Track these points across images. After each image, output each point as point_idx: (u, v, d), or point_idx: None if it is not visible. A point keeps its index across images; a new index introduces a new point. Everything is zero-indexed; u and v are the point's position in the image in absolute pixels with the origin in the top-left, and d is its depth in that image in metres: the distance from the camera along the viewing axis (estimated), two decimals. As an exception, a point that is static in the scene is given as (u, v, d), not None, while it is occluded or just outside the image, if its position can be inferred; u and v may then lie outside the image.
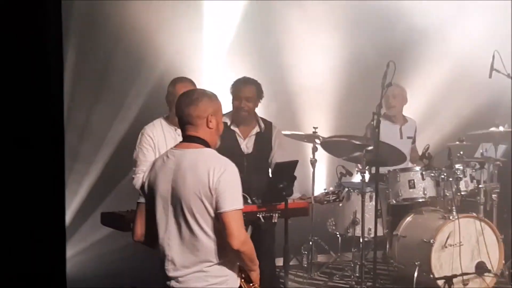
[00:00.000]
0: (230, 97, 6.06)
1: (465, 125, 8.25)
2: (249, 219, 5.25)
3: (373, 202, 6.77)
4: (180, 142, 3.91)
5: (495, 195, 7.23)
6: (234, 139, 5.99)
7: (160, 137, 5.54)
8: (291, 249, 7.47)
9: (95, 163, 7.53)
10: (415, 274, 6.56)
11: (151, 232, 3.90)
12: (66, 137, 6.75)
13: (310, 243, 7.66)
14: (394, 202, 7.00)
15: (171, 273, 3.80)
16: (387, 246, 7.12)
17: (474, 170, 7.09)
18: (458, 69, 8.57)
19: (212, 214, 3.72)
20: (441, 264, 6.60)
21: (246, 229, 5.51)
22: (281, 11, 8.46)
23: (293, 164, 5.30)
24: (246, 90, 5.98)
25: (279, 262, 6.34)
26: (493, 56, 7.13)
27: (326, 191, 6.05)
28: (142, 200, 3.98)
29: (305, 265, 7.66)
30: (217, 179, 3.68)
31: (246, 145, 6.03)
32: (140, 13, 7.58)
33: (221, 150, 5.30)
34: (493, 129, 7.45)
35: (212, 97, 3.90)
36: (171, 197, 3.78)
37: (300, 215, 5.63)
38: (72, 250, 7.12)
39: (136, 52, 7.61)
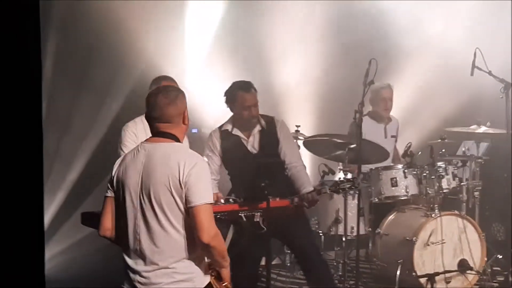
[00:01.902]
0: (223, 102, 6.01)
1: (447, 123, 8.25)
2: (230, 218, 5.25)
3: (356, 201, 6.76)
4: (151, 137, 3.90)
5: (477, 193, 7.24)
6: (239, 143, 5.87)
7: (142, 134, 5.51)
8: (274, 249, 7.49)
9: (76, 162, 7.47)
10: (398, 272, 6.56)
11: (119, 226, 3.88)
12: (45, 136, 6.71)
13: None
14: (377, 200, 6.99)
15: (138, 267, 3.79)
16: (370, 245, 7.13)
17: (456, 168, 7.10)
18: (440, 67, 8.59)
19: (182, 208, 3.72)
20: (424, 262, 6.60)
21: (228, 229, 5.52)
22: (263, 11, 8.44)
23: (275, 163, 5.29)
24: (250, 97, 5.80)
25: (262, 261, 6.30)
26: (475, 54, 7.15)
27: (340, 179, 6.02)
28: (109, 194, 3.94)
29: (288, 264, 7.64)
30: (188, 173, 3.68)
31: (252, 145, 5.88)
32: (121, 11, 7.53)
33: (229, 156, 5.66)
34: (474, 126, 7.46)
35: (183, 93, 3.94)
36: (141, 190, 3.76)
37: (283, 214, 5.58)
38: (52, 251, 7.07)
39: (117, 50, 7.56)
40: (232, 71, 8.30)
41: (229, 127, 5.91)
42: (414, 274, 6.53)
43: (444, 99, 8.65)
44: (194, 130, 8.21)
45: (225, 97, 5.91)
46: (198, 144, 7.88)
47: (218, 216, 5.19)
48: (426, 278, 6.48)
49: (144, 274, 3.76)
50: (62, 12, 7.27)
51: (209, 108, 8.21)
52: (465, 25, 8.48)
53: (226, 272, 3.93)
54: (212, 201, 3.75)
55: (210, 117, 8.13)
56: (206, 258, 3.88)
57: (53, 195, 7.30)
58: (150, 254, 3.75)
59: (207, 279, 3.86)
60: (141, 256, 3.77)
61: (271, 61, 8.54)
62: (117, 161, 3.95)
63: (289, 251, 7.69)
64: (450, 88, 8.58)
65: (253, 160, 5.67)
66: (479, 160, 7.36)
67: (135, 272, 3.79)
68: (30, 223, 3.56)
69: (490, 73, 7.16)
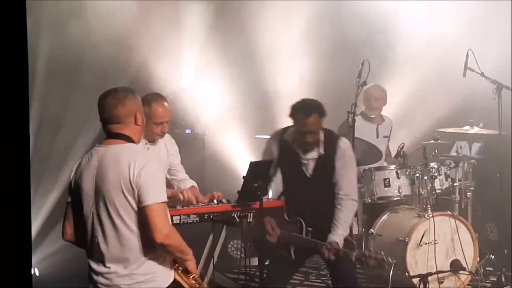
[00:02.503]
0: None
1: (440, 123, 8.26)
2: (223, 219, 5.26)
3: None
4: (105, 139, 3.89)
5: (470, 193, 7.26)
6: (296, 161, 5.52)
7: None
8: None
9: (68, 163, 7.44)
10: (391, 273, 6.55)
11: (79, 231, 3.89)
12: (36, 137, 6.72)
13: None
14: (370, 200, 7.00)
15: (99, 269, 3.80)
16: (363, 245, 7.12)
17: (449, 169, 7.12)
18: (433, 68, 8.59)
19: (136, 209, 3.72)
20: (416, 262, 6.61)
21: (221, 230, 5.53)
22: (256, 12, 8.45)
23: (267, 164, 5.28)
24: (310, 123, 5.37)
25: (254, 261, 6.31)
26: (467, 55, 7.16)
27: (369, 253, 5.23)
28: (69, 199, 3.96)
29: (281, 265, 7.62)
30: (138, 173, 3.67)
31: (307, 168, 5.52)
32: (114, 11, 7.53)
33: (284, 169, 5.52)
34: (467, 127, 7.48)
35: (135, 94, 3.92)
36: (95, 194, 3.77)
37: (276, 215, 5.58)
38: (45, 252, 7.06)
39: (109, 50, 7.55)
40: (225, 72, 8.33)
41: (290, 138, 5.57)
42: (407, 274, 6.53)
43: (437, 100, 8.66)
44: (187, 131, 8.22)
45: (291, 110, 5.51)
46: (192, 144, 7.93)
47: (212, 217, 5.23)
48: (418, 279, 6.47)
49: (106, 275, 3.78)
50: (54, 11, 7.25)
51: (202, 108, 8.22)
52: (458, 26, 8.48)
53: (191, 264, 3.92)
54: (165, 200, 3.74)
55: (204, 118, 8.16)
56: None
57: (46, 195, 7.29)
58: (108, 256, 3.77)
59: (171, 275, 3.86)
60: (101, 258, 3.78)
61: (264, 62, 8.55)
62: (74, 166, 3.96)
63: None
64: (443, 89, 8.59)
65: (306, 183, 5.50)
66: (472, 160, 7.39)
67: (98, 273, 3.81)
68: (17, 224, 3.54)
69: (482, 74, 7.18)
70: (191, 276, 3.92)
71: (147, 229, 3.68)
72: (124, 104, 3.81)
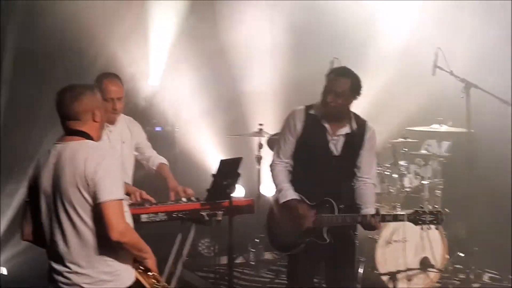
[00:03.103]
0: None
1: (410, 122, 8.31)
2: (192, 217, 5.23)
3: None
4: (62, 136, 3.84)
5: (439, 191, 7.32)
6: (323, 136, 5.15)
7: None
8: (238, 247, 7.50)
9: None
10: (361, 270, 6.59)
11: (38, 230, 3.83)
12: (4, 135, 6.65)
13: (257, 240, 7.63)
14: (340, 198, 7.00)
15: (59, 268, 3.74)
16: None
17: (418, 167, 7.18)
18: (402, 67, 8.63)
19: (93, 206, 3.67)
20: (386, 260, 6.65)
21: (190, 228, 5.50)
22: (227, 11, 8.44)
23: (237, 161, 5.26)
24: (337, 84, 5.07)
25: (224, 260, 6.30)
26: (436, 54, 7.21)
27: (423, 209, 5.17)
28: (27, 198, 3.90)
29: (252, 263, 7.63)
30: (94, 168, 3.62)
31: (335, 145, 5.17)
32: (82, 9, 7.48)
33: (308, 148, 5.12)
34: (436, 125, 7.53)
35: (94, 90, 3.89)
36: (53, 192, 3.71)
37: (246, 213, 5.57)
38: (7, 254, 7.00)
39: (77, 47, 7.50)
40: (197, 71, 8.31)
41: (318, 112, 5.18)
42: (376, 272, 6.57)
43: (407, 99, 8.68)
44: (157, 128, 8.19)
45: (327, 73, 5.20)
46: (162, 142, 7.89)
47: (180, 215, 5.20)
48: (388, 276, 6.52)
49: (65, 274, 3.72)
50: (23, 10, 7.18)
51: (173, 106, 8.20)
52: (428, 25, 8.53)
53: (150, 263, 3.88)
54: (121, 197, 3.69)
55: (174, 116, 8.13)
56: None
57: (13, 194, 7.21)
58: (67, 255, 3.71)
59: (133, 274, 3.82)
60: (60, 257, 3.73)
61: (234, 60, 8.53)
62: (32, 164, 3.91)
63: (253, 250, 7.70)
64: (412, 87, 8.63)
65: (332, 161, 5.15)
66: (441, 158, 7.45)
67: (58, 273, 3.75)
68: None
69: (451, 72, 7.23)
70: (151, 275, 3.89)
71: (103, 227, 3.62)
72: (81, 101, 3.76)
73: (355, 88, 5.12)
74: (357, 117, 5.25)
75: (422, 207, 5.18)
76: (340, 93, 5.05)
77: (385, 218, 5.08)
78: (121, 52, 7.65)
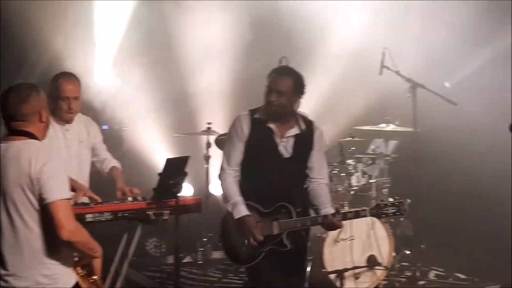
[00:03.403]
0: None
1: (357, 121, 8.38)
2: (138, 216, 5.16)
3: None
4: (7, 135, 3.78)
5: (386, 190, 7.38)
6: (271, 139, 5.03)
7: (51, 132, 5.38)
8: (186, 246, 7.46)
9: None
10: (308, 269, 6.60)
11: None
12: None
13: (205, 239, 7.60)
14: (287, 197, 7.01)
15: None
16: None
17: (365, 166, 7.24)
18: (351, 66, 8.69)
19: (37, 207, 3.62)
20: (334, 258, 6.68)
21: (136, 227, 5.44)
22: (172, 12, 8.40)
23: (184, 160, 5.21)
24: (279, 83, 4.96)
25: (171, 259, 6.25)
26: (383, 54, 7.28)
27: (383, 201, 5.17)
28: None
29: (200, 262, 7.60)
30: (39, 169, 3.59)
31: (285, 147, 5.05)
32: (27, 7, 7.35)
33: (257, 152, 4.97)
34: (383, 125, 7.60)
35: (40, 91, 3.85)
36: None
37: (193, 212, 5.51)
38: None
39: (21, 45, 7.37)
40: (144, 70, 8.24)
41: (263, 116, 5.05)
42: (324, 270, 6.59)
43: (354, 98, 8.77)
44: (104, 127, 8.08)
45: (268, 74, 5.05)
46: (109, 140, 7.76)
47: (126, 214, 5.13)
48: (335, 275, 6.55)
49: (5, 278, 3.65)
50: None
51: (120, 105, 8.12)
52: (377, 26, 8.60)
53: (97, 263, 3.86)
54: (68, 196, 3.66)
55: (121, 114, 8.05)
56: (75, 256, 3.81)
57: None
58: (8, 257, 3.65)
59: (74, 277, 3.78)
60: (2, 259, 3.66)
61: (183, 57, 8.49)
62: None
63: (201, 249, 7.66)
64: (361, 87, 8.70)
65: (283, 164, 5.02)
66: (388, 158, 7.52)
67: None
68: None
69: (398, 72, 7.31)
70: (92, 280, 3.85)
71: (53, 227, 3.57)
72: (28, 102, 3.71)
73: (297, 86, 5.03)
74: (303, 117, 5.16)
75: (383, 200, 5.18)
76: (283, 92, 4.95)
77: (346, 216, 5.01)
78: (66, 49, 7.55)
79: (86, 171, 5.62)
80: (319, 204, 5.05)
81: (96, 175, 5.76)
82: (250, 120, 5.05)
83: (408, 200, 5.30)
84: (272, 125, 5.01)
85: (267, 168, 5.03)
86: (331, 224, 4.96)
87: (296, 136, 5.04)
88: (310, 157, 5.10)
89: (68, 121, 5.44)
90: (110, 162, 5.72)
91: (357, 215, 5.06)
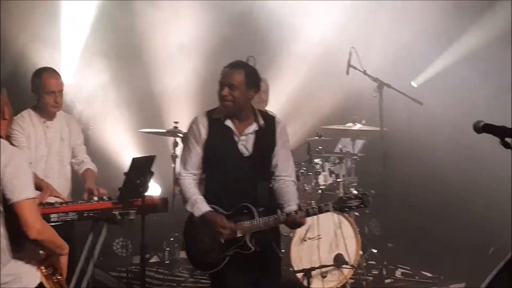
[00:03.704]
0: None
1: (325, 120, 8.41)
2: (104, 216, 5.12)
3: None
4: None
5: (353, 189, 7.40)
6: (230, 138, 4.86)
7: (30, 129, 5.50)
8: (153, 246, 7.42)
9: None
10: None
11: None
12: None
13: (172, 239, 7.57)
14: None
15: None
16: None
17: (333, 165, 7.27)
18: (318, 66, 8.72)
19: (1, 207, 3.59)
20: (301, 257, 6.69)
21: (102, 227, 5.39)
22: (142, 11, 8.36)
23: (150, 159, 5.19)
24: (231, 76, 4.80)
25: (136, 260, 6.21)
26: (350, 53, 7.31)
27: (346, 194, 5.08)
28: None
29: (167, 262, 7.56)
30: (2, 170, 3.56)
31: (245, 145, 4.87)
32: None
33: (216, 153, 4.80)
34: (350, 124, 7.64)
35: (1, 89, 3.80)
36: None
37: (160, 211, 5.49)
38: None
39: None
40: (110, 68, 8.18)
41: (220, 115, 4.88)
42: (291, 269, 6.60)
43: (322, 97, 8.80)
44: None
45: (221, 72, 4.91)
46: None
47: (91, 214, 5.09)
48: (302, 274, 6.57)
49: None
50: None
51: (86, 103, 8.05)
52: (345, 25, 8.63)
53: (64, 261, 3.83)
54: (33, 196, 3.64)
55: (86, 113, 7.98)
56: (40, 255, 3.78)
57: None
58: None
59: (38, 276, 3.75)
60: None
61: (149, 56, 8.46)
62: None
63: (168, 249, 7.62)
64: (327, 86, 8.74)
65: (244, 163, 4.83)
66: (355, 157, 7.56)
67: None
68: None
69: (364, 72, 7.35)
70: (56, 280, 3.81)
71: (19, 227, 3.53)
72: None
73: (250, 80, 4.85)
74: (263, 113, 5.01)
75: (346, 193, 5.08)
76: (235, 86, 4.77)
77: (309, 212, 4.80)
78: (31, 47, 7.46)
79: (67, 169, 5.68)
80: (284, 202, 4.87)
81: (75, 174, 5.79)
82: (208, 120, 4.89)
83: (372, 191, 5.25)
84: (229, 123, 4.86)
85: (227, 168, 4.86)
86: (294, 222, 4.78)
87: (256, 132, 4.86)
88: (274, 154, 4.92)
89: (51, 117, 5.52)
90: (86, 164, 5.74)
91: (320, 210, 4.87)
